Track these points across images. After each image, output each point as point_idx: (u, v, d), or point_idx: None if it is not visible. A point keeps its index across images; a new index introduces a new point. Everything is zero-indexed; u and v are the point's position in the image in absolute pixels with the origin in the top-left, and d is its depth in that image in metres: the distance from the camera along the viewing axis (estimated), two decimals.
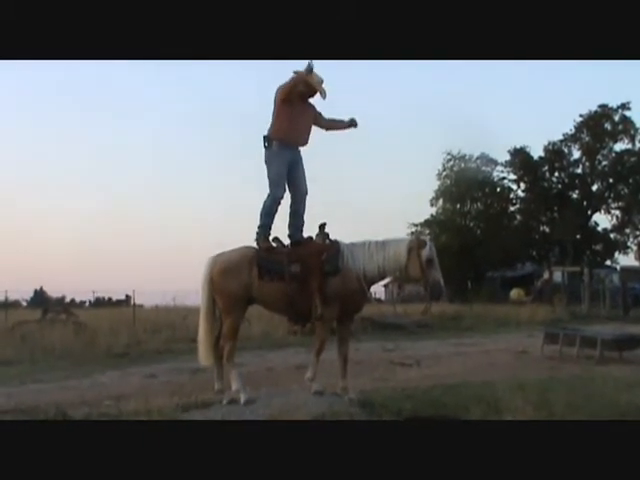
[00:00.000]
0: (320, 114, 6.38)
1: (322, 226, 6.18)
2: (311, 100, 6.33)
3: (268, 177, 6.16)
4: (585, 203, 42.09)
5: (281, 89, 6.09)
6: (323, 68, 6.07)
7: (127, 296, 28.70)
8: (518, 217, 42.81)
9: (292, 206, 6.28)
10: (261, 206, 6.14)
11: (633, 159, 40.11)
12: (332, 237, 6.14)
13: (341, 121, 6.46)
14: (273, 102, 6.17)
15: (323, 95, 6.15)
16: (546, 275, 37.31)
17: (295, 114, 6.12)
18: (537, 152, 42.39)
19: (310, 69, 5.90)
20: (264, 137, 6.19)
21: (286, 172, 6.14)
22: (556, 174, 42.66)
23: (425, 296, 6.15)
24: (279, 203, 6.17)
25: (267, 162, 6.17)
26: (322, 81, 6.13)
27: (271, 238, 6.08)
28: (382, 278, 6.18)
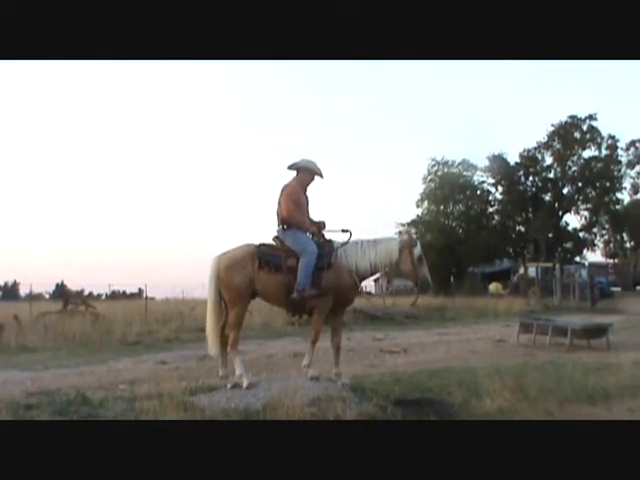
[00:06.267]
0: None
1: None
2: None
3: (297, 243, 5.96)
4: (557, 205, 42.37)
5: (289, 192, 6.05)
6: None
7: (140, 289, 28.61)
8: (496, 217, 43.01)
9: None
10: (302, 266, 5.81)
11: (600, 165, 40.56)
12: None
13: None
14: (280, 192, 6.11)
15: (322, 175, 6.21)
16: (521, 270, 37.52)
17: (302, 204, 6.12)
18: (513, 158, 42.92)
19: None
20: (282, 219, 6.05)
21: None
22: (530, 178, 42.96)
23: (413, 289, 6.16)
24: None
25: (291, 235, 6.02)
26: (316, 163, 6.19)
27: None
28: (373, 273, 6.17)
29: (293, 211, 5.96)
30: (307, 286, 5.72)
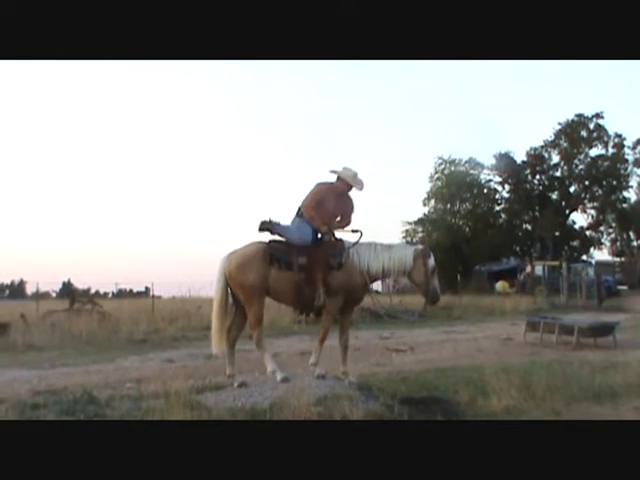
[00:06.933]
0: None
1: None
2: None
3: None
4: (563, 203, 42.18)
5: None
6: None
7: (147, 288, 28.69)
8: (503, 216, 42.82)
9: None
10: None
11: (606, 163, 40.37)
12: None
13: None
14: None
15: (360, 187, 6.25)
16: (528, 269, 37.33)
17: (327, 205, 6.15)
18: (520, 157, 42.71)
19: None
20: (299, 208, 6.13)
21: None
22: (537, 177, 42.78)
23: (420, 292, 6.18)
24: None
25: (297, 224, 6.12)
26: (356, 174, 6.23)
27: None
28: (384, 276, 6.21)
29: (310, 208, 6.02)
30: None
